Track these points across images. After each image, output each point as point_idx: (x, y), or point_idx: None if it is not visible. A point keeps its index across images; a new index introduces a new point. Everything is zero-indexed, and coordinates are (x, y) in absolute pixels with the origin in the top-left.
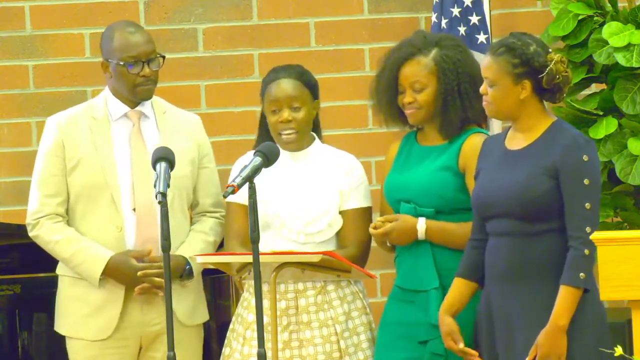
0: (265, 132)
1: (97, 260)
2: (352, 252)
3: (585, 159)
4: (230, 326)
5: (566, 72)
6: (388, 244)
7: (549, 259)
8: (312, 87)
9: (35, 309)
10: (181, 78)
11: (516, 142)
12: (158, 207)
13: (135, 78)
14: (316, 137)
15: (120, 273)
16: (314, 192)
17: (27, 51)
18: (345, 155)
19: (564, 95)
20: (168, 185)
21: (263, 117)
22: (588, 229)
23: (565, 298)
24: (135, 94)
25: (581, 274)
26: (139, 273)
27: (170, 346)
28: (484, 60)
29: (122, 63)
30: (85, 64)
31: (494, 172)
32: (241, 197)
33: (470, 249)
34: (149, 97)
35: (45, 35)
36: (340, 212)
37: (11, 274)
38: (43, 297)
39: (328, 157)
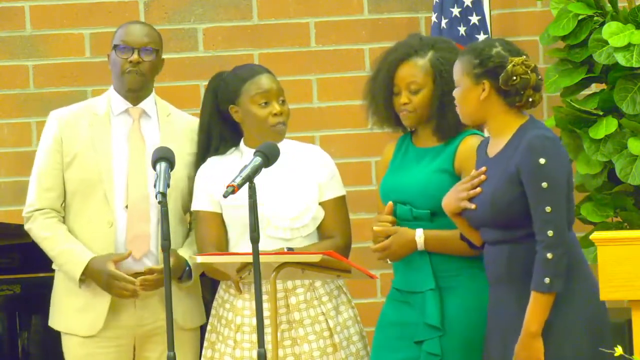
0: (217, 130)
1: (77, 263)
2: (339, 242)
3: (542, 162)
4: (209, 327)
5: (527, 75)
6: (388, 262)
7: (533, 263)
8: None
9: (35, 309)
10: (181, 78)
11: (493, 148)
12: (151, 205)
13: (124, 63)
14: None
15: (97, 277)
16: (295, 188)
17: (27, 51)
18: (313, 148)
19: (526, 100)
20: (168, 185)
21: (217, 114)
22: (550, 233)
23: (533, 304)
24: (122, 82)
25: (546, 278)
26: (114, 291)
27: (170, 346)
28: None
29: (114, 45)
30: (85, 64)
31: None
32: (210, 204)
33: None
34: (135, 88)
35: (45, 35)
36: (320, 204)
37: (11, 274)
38: (43, 297)
39: (299, 152)
